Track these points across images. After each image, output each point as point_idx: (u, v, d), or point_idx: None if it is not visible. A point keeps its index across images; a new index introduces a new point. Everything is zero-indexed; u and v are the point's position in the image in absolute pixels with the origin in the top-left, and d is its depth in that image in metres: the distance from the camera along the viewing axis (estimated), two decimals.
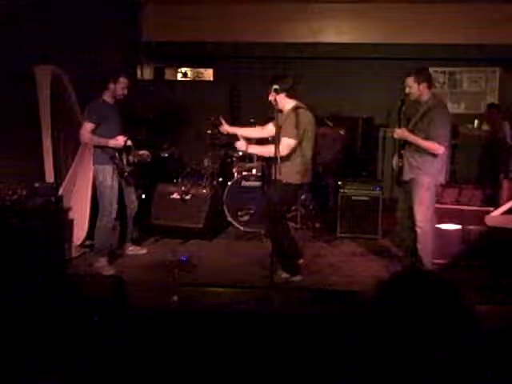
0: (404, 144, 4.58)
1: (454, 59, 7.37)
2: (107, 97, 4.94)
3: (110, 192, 4.90)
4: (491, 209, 5.17)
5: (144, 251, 5.53)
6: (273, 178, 4.29)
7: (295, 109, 4.54)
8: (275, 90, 4.41)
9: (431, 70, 7.50)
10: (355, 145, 7.30)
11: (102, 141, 4.85)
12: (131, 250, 5.47)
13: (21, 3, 5.07)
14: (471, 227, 5.22)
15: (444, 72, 7.70)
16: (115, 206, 4.95)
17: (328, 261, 5.33)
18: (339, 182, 6.29)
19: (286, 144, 4.40)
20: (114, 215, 4.96)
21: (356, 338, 1.25)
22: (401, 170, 4.63)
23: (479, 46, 6.99)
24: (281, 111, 4.48)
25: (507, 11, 6.87)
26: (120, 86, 4.90)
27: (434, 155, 4.45)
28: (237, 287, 3.79)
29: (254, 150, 4.89)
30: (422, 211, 4.55)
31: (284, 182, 4.43)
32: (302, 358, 2.06)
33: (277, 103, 4.40)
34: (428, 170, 4.50)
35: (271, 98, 4.48)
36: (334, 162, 6.70)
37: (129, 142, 5.04)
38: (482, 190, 5.66)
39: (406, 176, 4.58)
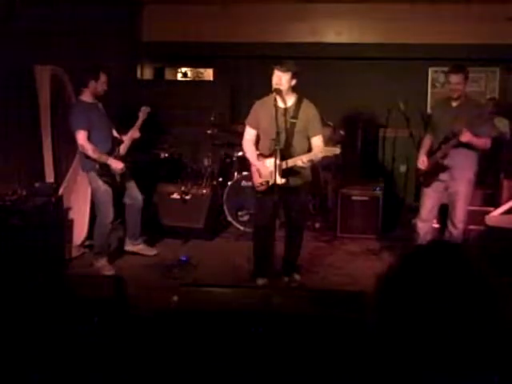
0: (451, 143, 4.52)
1: (454, 59, 7.37)
2: (86, 97, 4.86)
3: (104, 195, 4.88)
4: (491, 209, 5.17)
5: (154, 252, 5.43)
6: (294, 184, 4.30)
7: (303, 99, 4.37)
8: (291, 69, 4.17)
9: (431, 69, 7.57)
10: (355, 145, 7.30)
11: (104, 158, 4.80)
12: (141, 248, 5.41)
13: (21, 3, 5.07)
14: (471, 227, 5.22)
15: (444, 72, 7.68)
16: (111, 209, 4.93)
17: (328, 261, 5.33)
18: (339, 182, 6.29)
19: (322, 142, 4.34)
20: (110, 218, 4.94)
21: (356, 338, 1.23)
22: (437, 169, 4.61)
23: (479, 46, 6.99)
24: (279, 93, 4.21)
25: (507, 11, 6.87)
26: (101, 83, 4.83)
27: (477, 151, 4.52)
28: (237, 287, 3.79)
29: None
30: (465, 210, 4.60)
31: (306, 182, 4.48)
32: (302, 358, 2.06)
33: (281, 84, 4.17)
34: (475, 167, 4.58)
35: (277, 77, 4.17)
36: (333, 163, 6.70)
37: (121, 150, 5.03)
38: (481, 190, 5.66)
39: (455, 174, 4.56)
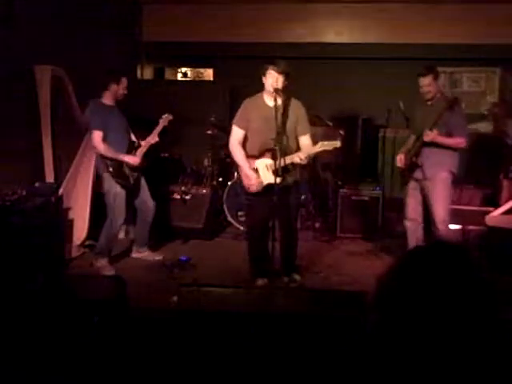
0: (419, 142, 4.53)
1: (454, 59, 7.37)
2: (107, 99, 4.90)
3: (116, 197, 4.89)
4: (491, 209, 5.17)
5: (160, 257, 5.32)
6: (287, 183, 4.27)
7: (291, 98, 4.36)
8: (286, 70, 4.18)
9: None
10: (355, 145, 7.30)
11: (118, 156, 4.84)
12: (147, 255, 5.36)
13: (21, 3, 5.07)
14: (471, 227, 5.22)
15: (444, 72, 7.67)
16: (123, 211, 4.94)
17: (328, 261, 5.33)
18: (339, 182, 6.29)
19: (310, 141, 4.33)
20: (121, 221, 4.96)
21: (356, 338, 1.23)
22: (412, 168, 4.60)
23: (479, 46, 6.99)
24: (278, 93, 4.15)
25: (507, 11, 6.87)
26: (122, 86, 4.91)
27: (455, 150, 4.49)
28: (237, 287, 3.79)
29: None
30: (443, 209, 4.56)
31: (297, 181, 4.47)
32: (302, 358, 2.06)
33: (278, 85, 4.17)
34: (450, 166, 4.54)
35: (274, 78, 4.19)
36: (333, 162, 6.70)
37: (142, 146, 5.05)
38: (481, 190, 5.66)
39: (428, 173, 4.54)
